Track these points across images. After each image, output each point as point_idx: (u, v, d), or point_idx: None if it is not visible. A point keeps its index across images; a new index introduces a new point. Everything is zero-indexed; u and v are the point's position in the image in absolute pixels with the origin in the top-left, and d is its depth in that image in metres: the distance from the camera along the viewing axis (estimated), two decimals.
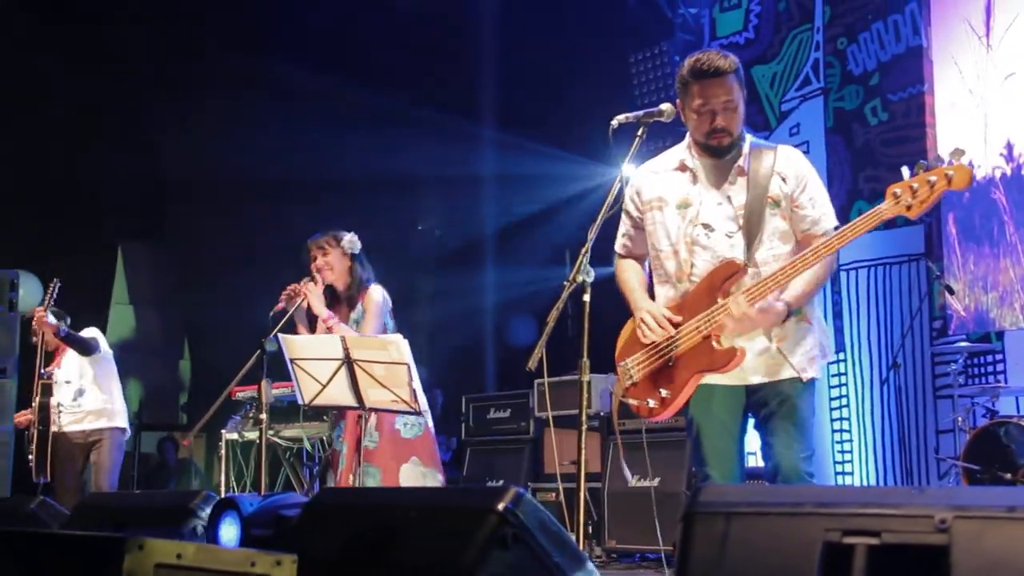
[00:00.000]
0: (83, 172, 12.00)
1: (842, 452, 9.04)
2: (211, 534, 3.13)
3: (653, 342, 3.77)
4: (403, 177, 12.40)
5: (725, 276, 3.69)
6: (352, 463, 5.08)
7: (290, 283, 5.42)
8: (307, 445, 7.52)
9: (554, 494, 7.79)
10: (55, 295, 7.37)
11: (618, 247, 4.11)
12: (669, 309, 3.81)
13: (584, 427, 3.41)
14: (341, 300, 5.60)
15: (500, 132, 11.95)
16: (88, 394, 7.54)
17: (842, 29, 9.49)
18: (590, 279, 3.55)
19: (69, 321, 7.49)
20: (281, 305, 5.34)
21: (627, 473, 4.58)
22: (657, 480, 7.13)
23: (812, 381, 3.84)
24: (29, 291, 9.39)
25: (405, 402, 4.60)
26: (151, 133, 12.83)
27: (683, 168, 3.90)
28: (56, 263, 10.54)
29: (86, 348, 7.47)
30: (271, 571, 2.16)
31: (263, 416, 5.01)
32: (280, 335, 4.85)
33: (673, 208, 3.88)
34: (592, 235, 3.59)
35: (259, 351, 4.91)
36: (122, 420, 7.69)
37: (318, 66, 11.75)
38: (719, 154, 3.83)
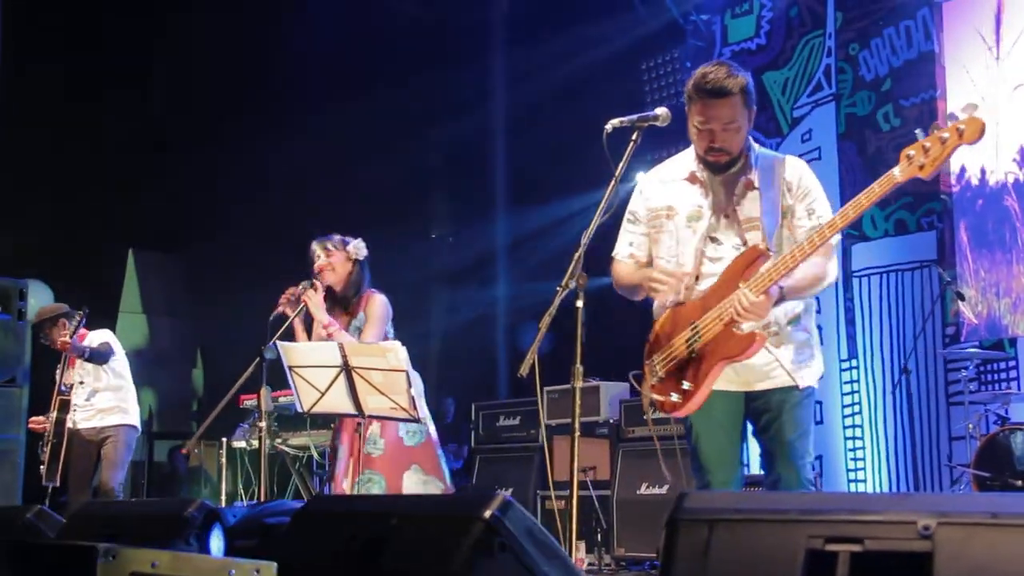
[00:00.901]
0: (96, 181, 12.06)
1: (855, 460, 8.98)
2: (202, 545, 3.12)
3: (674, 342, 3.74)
4: (416, 185, 12.44)
5: (748, 262, 3.65)
6: (348, 468, 5.06)
7: (289, 287, 5.41)
8: (315, 453, 7.51)
9: (563, 502, 7.76)
10: (83, 323, 7.55)
11: (622, 254, 4.04)
12: (691, 304, 3.76)
13: (577, 434, 3.38)
14: (337, 302, 5.58)
15: (512, 139, 11.97)
16: (101, 394, 7.73)
17: (854, 35, 9.44)
18: (584, 285, 3.52)
19: (84, 320, 7.62)
20: (280, 309, 5.34)
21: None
22: (666, 488, 7.10)
23: (811, 390, 3.81)
24: (40, 300, 9.41)
25: (404, 409, 4.58)
26: (166, 140, 12.87)
27: (693, 180, 3.87)
28: (67, 271, 10.62)
29: (105, 359, 7.68)
30: None
31: (262, 424, 5.00)
32: (279, 342, 4.83)
33: (683, 220, 3.85)
34: (586, 240, 3.56)
35: (258, 359, 4.91)
36: (134, 418, 7.87)
37: (331, 75, 11.80)
38: (718, 170, 3.81)
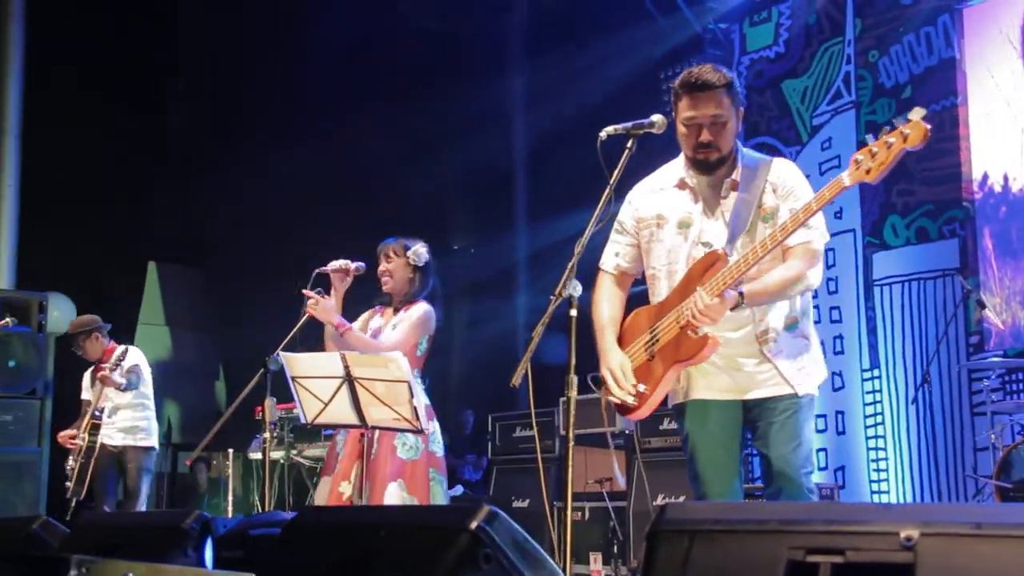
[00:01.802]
0: (118, 194, 12.13)
1: (877, 471, 8.89)
2: (199, 556, 3.11)
3: (638, 344, 3.77)
4: (438, 197, 12.43)
5: (705, 267, 3.64)
6: (348, 472, 4.98)
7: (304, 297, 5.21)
8: None
9: (579, 514, 7.73)
10: (122, 362, 7.74)
11: (608, 264, 4.04)
12: (652, 308, 3.78)
13: (572, 443, 3.35)
14: (394, 308, 5.44)
15: (531, 148, 11.96)
16: (122, 412, 7.90)
17: (873, 42, 9.37)
18: (577, 294, 3.50)
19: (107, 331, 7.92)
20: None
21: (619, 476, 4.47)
22: (683, 498, 7.05)
23: (810, 398, 3.76)
24: (62, 312, 9.47)
25: (407, 420, 4.54)
26: (189, 158, 12.94)
27: (683, 186, 3.86)
28: (89, 284, 10.68)
29: (136, 386, 7.92)
30: None
31: (267, 435, 4.99)
32: (282, 353, 4.80)
33: (673, 227, 3.84)
34: (579, 249, 3.54)
35: (262, 369, 4.89)
36: (153, 439, 8.00)
37: (352, 89, 11.83)
38: (708, 169, 3.78)
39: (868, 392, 9.00)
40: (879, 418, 8.94)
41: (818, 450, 8.83)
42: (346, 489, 5.04)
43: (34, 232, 11.02)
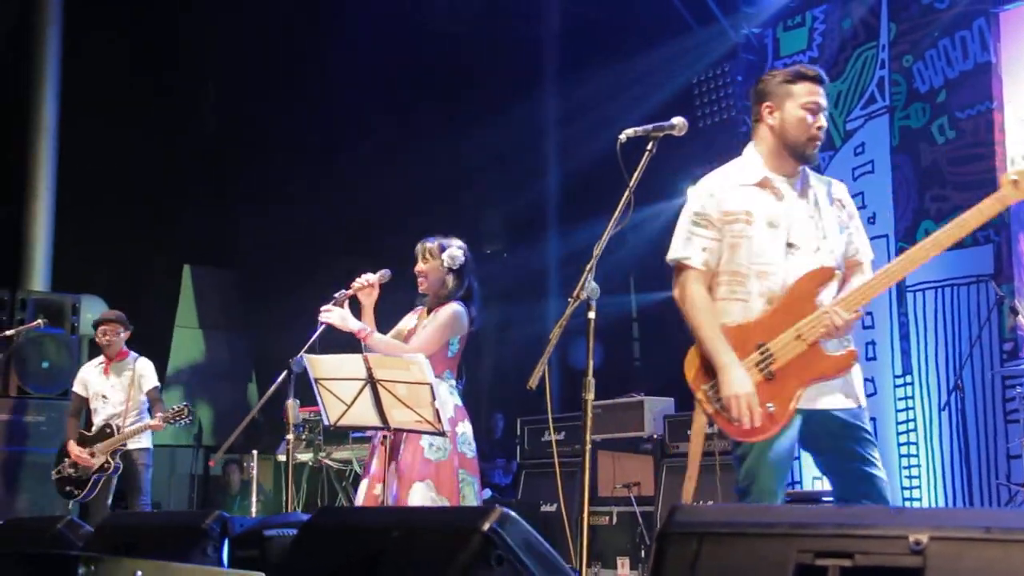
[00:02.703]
0: (152, 197, 12.23)
1: (909, 477, 8.81)
2: (218, 556, 3.13)
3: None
4: (470, 201, 12.44)
5: (820, 283, 3.71)
6: (382, 473, 4.92)
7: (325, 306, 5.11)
8: (357, 467, 7.52)
9: (607, 518, 7.71)
10: (161, 397, 8.12)
11: (695, 260, 3.85)
12: (753, 324, 3.75)
13: (588, 446, 3.34)
14: (429, 309, 5.33)
15: (561, 155, 11.96)
16: (128, 417, 8.04)
17: (908, 46, 9.29)
18: (595, 296, 3.49)
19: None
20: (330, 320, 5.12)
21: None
22: (711, 503, 7.01)
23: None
24: (95, 314, 9.54)
25: (429, 422, 4.53)
26: (223, 161, 13.02)
27: (765, 184, 3.84)
28: (123, 287, 10.76)
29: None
30: None
31: (290, 436, 5.00)
32: (305, 355, 4.80)
33: (763, 225, 3.79)
34: (598, 251, 3.52)
35: (286, 371, 4.90)
36: (149, 440, 8.13)
37: (385, 91, 11.87)
38: (809, 159, 3.86)
39: (900, 399, 8.93)
40: (911, 424, 8.87)
41: None
42: (380, 491, 4.98)
43: (69, 234, 11.10)
